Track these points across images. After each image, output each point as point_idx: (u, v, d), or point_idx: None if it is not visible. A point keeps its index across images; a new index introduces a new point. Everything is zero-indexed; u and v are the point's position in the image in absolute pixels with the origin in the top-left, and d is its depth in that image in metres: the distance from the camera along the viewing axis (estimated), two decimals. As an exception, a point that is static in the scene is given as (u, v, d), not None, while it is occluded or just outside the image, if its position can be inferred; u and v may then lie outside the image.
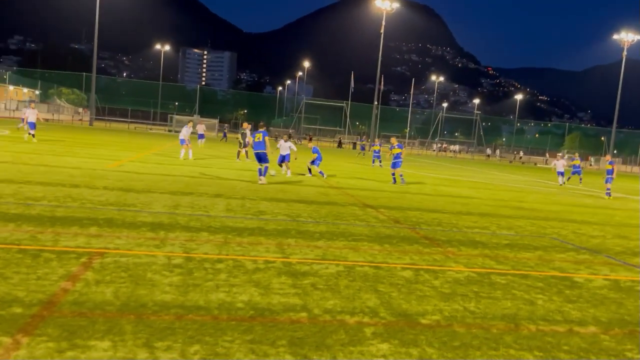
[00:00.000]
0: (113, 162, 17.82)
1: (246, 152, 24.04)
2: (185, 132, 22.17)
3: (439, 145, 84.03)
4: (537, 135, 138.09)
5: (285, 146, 18.49)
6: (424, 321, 4.87)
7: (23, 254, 5.80)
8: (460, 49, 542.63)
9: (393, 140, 20.40)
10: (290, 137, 19.21)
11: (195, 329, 4.21)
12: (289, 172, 18.37)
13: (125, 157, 20.11)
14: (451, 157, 68.50)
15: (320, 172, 19.33)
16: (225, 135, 51.48)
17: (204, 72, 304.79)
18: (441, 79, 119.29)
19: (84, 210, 8.69)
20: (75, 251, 6.14)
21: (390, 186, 18.14)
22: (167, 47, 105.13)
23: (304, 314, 4.77)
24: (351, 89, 72.77)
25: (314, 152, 19.68)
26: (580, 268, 7.79)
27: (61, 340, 3.77)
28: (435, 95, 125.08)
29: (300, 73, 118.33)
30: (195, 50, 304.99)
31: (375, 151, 30.49)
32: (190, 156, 21.93)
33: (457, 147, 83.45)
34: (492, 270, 7.11)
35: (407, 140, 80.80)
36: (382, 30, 62.32)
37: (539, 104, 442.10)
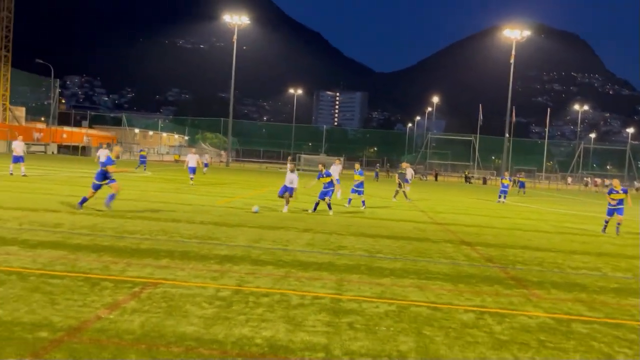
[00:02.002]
0: (226, 198, 18.82)
1: (404, 192, 23.24)
2: (336, 170, 21.83)
3: (585, 179, 76.72)
4: None
5: (290, 178, 15.79)
6: (456, 372, 4.27)
7: (84, 282, 6.22)
8: (612, 75, 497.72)
9: (616, 183, 15.81)
10: (295, 166, 16.67)
11: (197, 363, 4.11)
12: (285, 207, 15.61)
13: (240, 194, 21.15)
14: (596, 191, 62.03)
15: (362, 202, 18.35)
16: (377, 175, 50.62)
17: (336, 112, 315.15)
18: (585, 107, 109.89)
19: (169, 243, 9.18)
20: (133, 281, 6.45)
21: (500, 223, 16.81)
22: (300, 91, 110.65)
23: (321, 354, 4.45)
24: (479, 122, 69.96)
25: (360, 174, 18.74)
26: (702, 320, 6.38)
27: (62, 365, 3.90)
28: (579, 125, 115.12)
29: (430, 109, 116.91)
30: (328, 93, 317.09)
31: (503, 185, 28.29)
32: (338, 195, 21.34)
33: (600, 180, 75.32)
34: (577, 317, 6.11)
35: (544, 174, 75.05)
36: (511, 60, 59.48)
37: None
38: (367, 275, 7.66)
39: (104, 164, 12.84)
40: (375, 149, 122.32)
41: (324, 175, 16.15)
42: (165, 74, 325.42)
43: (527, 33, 59.76)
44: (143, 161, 35.37)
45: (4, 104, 64.32)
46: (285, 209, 15.43)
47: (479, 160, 69.93)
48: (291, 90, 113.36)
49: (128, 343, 4.40)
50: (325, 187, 16.01)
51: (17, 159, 22.40)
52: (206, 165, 40.53)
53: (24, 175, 21.94)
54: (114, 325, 4.82)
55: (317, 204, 15.89)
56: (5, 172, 24.33)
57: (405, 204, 21.60)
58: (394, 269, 8.21)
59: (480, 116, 68.24)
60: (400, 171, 24.01)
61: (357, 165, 19.19)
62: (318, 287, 6.78)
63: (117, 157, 13.77)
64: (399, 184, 23.42)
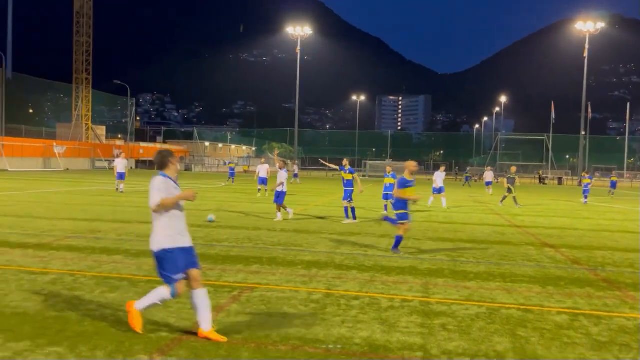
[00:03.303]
0: (300, 207, 19.29)
1: (514, 197, 22.30)
2: (440, 177, 21.05)
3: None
4: None
5: (280, 178, 14.59)
6: (557, 371, 4.32)
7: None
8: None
9: None
10: (285, 164, 15.57)
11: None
12: (279, 215, 14.52)
13: (313, 202, 21.60)
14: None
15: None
16: (468, 180, 48.24)
17: (399, 117, 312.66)
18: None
19: (255, 250, 9.64)
20: (231, 286, 6.88)
21: (583, 224, 16.19)
22: (363, 98, 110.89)
23: (419, 354, 4.62)
24: (552, 120, 67.24)
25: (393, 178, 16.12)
26: None
27: (186, 360, 4.32)
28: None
29: (497, 109, 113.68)
30: (390, 97, 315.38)
31: (585, 185, 26.90)
32: (444, 204, 20.31)
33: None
34: (679, 320, 5.91)
35: (625, 172, 70.93)
36: (585, 55, 57.01)
37: None
38: (452, 278, 7.73)
39: (401, 185, 9.56)
40: (442, 152, 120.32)
41: (347, 172, 15.12)
42: (230, 88, 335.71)
43: (601, 25, 57.06)
44: (232, 174, 35.57)
45: (86, 124, 68.80)
46: (279, 217, 14.36)
47: (553, 160, 67.15)
48: (353, 97, 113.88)
49: (239, 342, 4.77)
50: (346, 186, 14.95)
51: (120, 176, 23.03)
52: (295, 175, 40.92)
53: (121, 192, 22.72)
54: (223, 326, 5.21)
55: (346, 209, 14.78)
56: (94, 187, 26.10)
57: (481, 208, 21.26)
58: (478, 272, 8.23)
59: (553, 114, 65.56)
60: (509, 176, 23.03)
61: (389, 168, 17.74)
62: (405, 290, 6.95)
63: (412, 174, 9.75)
64: (509, 189, 22.33)
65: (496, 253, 10.11)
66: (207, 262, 8.39)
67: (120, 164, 23.13)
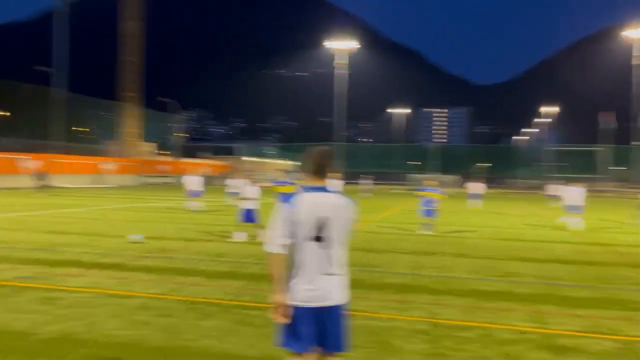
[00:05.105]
0: (359, 223, 18.78)
1: None
2: (578, 194, 17.92)
3: None
4: None
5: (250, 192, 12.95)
6: None
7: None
8: None
9: None
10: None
11: (446, 406, 3.89)
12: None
13: (370, 218, 21.06)
14: None
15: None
16: None
17: (438, 129, 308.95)
18: None
19: (334, 271, 9.18)
20: (327, 312, 6.42)
21: (670, 241, 15.06)
22: (404, 111, 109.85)
23: (573, 400, 4.05)
24: (614, 129, 64.65)
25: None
26: None
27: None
28: None
29: (543, 119, 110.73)
30: (429, 110, 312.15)
31: None
32: (581, 225, 17.60)
33: None
34: None
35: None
36: (633, 62, 54.87)
37: None
38: (562, 306, 7.07)
39: None
40: (485, 164, 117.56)
41: (287, 184, 13.88)
42: (269, 103, 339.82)
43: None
44: None
45: (134, 141, 70.39)
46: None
47: (608, 171, 64.49)
48: (390, 111, 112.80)
49: (363, 382, 4.30)
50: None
51: (194, 194, 21.77)
52: None
53: (192, 210, 21.31)
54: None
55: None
56: (148, 204, 26.31)
57: (541, 223, 20.24)
58: (586, 298, 7.54)
59: (615, 123, 62.98)
60: None
61: (427, 182, 16.22)
62: (515, 320, 6.34)
63: None
64: None
65: (594, 276, 9.34)
66: (290, 284, 7.98)
67: (192, 182, 21.90)
